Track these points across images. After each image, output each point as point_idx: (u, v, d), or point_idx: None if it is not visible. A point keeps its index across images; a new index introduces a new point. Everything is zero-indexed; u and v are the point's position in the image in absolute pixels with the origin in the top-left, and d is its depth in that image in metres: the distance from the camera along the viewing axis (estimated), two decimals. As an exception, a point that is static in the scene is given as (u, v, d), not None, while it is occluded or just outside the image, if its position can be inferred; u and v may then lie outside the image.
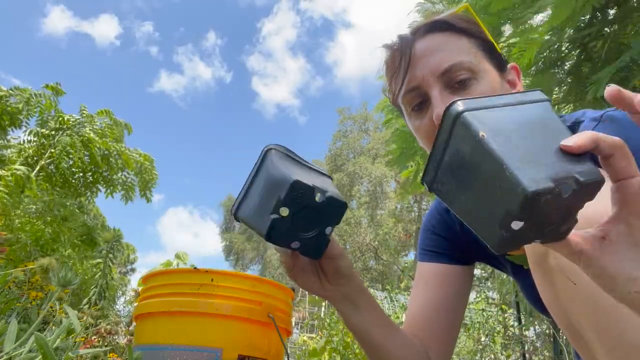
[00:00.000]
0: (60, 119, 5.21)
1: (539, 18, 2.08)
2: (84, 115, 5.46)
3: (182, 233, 36.74)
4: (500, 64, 0.76)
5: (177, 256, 4.49)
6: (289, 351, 1.22)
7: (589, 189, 0.38)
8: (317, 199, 0.58)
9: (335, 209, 0.61)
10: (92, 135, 5.22)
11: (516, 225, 0.38)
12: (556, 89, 2.05)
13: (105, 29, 36.26)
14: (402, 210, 18.31)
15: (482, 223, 0.42)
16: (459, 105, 0.42)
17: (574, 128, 0.72)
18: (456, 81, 0.70)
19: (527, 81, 2.19)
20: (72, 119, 5.32)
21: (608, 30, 1.73)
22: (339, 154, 21.98)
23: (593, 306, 0.54)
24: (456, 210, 0.45)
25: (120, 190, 5.74)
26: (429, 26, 0.75)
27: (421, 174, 0.51)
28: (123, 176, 5.76)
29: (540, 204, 0.37)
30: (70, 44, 36.95)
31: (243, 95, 37.20)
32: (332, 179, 0.70)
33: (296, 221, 0.57)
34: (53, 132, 5.17)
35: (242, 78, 37.21)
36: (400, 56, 0.73)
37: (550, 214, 0.39)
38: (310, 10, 35.41)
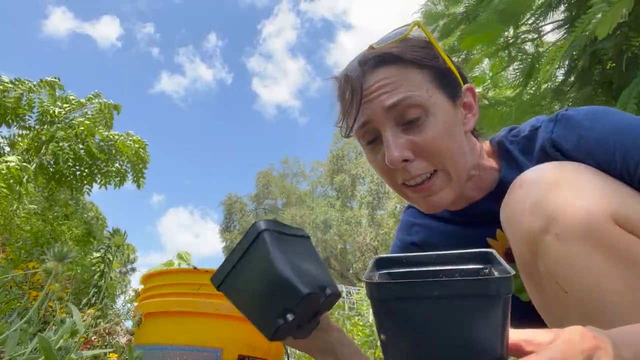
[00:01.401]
0: (52, 112, 5.08)
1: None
2: (74, 103, 5.30)
3: (182, 233, 36.73)
4: (452, 91, 0.73)
5: (179, 256, 4.44)
6: (289, 351, 1.22)
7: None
8: (320, 300, 0.58)
9: (331, 300, 0.61)
10: (87, 123, 5.09)
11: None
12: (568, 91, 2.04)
13: (106, 30, 36.28)
14: (402, 210, 18.31)
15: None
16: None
17: (533, 136, 0.72)
18: (407, 119, 0.68)
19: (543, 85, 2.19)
20: (63, 111, 5.18)
21: (619, 32, 1.71)
22: (340, 155, 21.97)
23: (584, 312, 0.54)
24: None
25: (114, 179, 5.65)
26: (377, 59, 0.71)
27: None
28: (117, 165, 5.66)
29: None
30: (71, 45, 36.91)
31: (244, 96, 37.19)
32: (322, 263, 0.68)
33: (297, 319, 0.56)
34: (46, 126, 5.05)
35: (243, 79, 37.19)
36: (352, 93, 0.71)
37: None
38: (310, 11, 35.42)
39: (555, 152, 0.67)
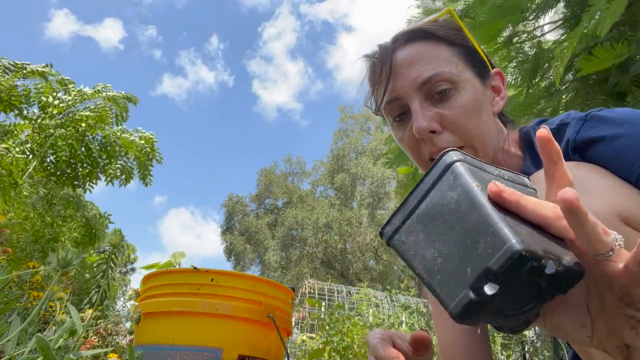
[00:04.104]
0: (51, 108, 4.94)
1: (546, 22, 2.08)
2: (76, 94, 5.10)
3: (184, 234, 36.82)
4: (482, 71, 0.74)
5: (173, 256, 4.42)
6: (289, 351, 1.23)
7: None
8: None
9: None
10: (89, 120, 4.98)
11: (490, 289, 0.34)
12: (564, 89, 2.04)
13: (109, 33, 36.45)
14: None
15: (448, 282, 0.37)
16: (455, 155, 0.41)
17: (560, 131, 0.71)
18: (436, 92, 0.69)
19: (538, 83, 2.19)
20: (62, 104, 4.97)
21: (617, 31, 1.71)
22: (341, 154, 21.99)
23: None
24: (416, 266, 0.40)
25: (119, 176, 5.55)
26: (409, 35, 0.73)
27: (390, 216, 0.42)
28: (122, 162, 5.56)
29: (522, 270, 0.34)
30: (73, 47, 37.04)
31: (245, 98, 37.32)
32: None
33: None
34: (46, 120, 4.93)
35: (244, 82, 37.34)
36: (381, 67, 0.72)
37: (524, 291, 0.37)
38: (310, 14, 35.53)
39: (575, 154, 0.67)
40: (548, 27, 2.08)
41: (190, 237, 36.61)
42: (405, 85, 0.71)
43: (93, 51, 36.91)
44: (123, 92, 5.42)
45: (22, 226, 4.38)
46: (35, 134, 4.92)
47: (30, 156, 4.84)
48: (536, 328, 4.22)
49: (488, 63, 0.77)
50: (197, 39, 39.49)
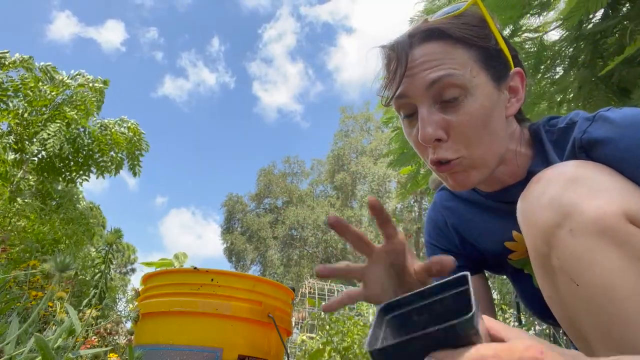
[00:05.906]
0: (39, 101, 4.79)
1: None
2: (60, 85, 4.96)
3: (184, 234, 36.87)
4: (499, 73, 0.72)
5: (176, 257, 4.40)
6: (289, 351, 1.23)
7: None
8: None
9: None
10: (74, 113, 4.89)
11: None
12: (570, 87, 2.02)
13: (111, 35, 36.59)
14: (403, 210, 18.35)
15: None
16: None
17: (568, 130, 0.71)
18: (445, 97, 0.68)
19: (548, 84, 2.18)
20: (48, 95, 4.86)
21: (621, 27, 1.70)
22: (341, 153, 22.02)
23: (596, 307, 0.55)
24: None
25: (110, 168, 5.49)
26: (426, 33, 0.71)
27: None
28: (112, 154, 5.50)
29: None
30: (75, 49, 37.13)
31: (245, 100, 37.41)
32: None
33: None
34: (33, 113, 4.85)
35: (245, 83, 37.43)
36: (396, 63, 0.72)
37: None
38: (310, 15, 35.59)
39: (581, 153, 0.67)
40: (549, 27, 2.07)
41: (190, 237, 36.68)
42: (416, 85, 0.70)
43: (95, 52, 37.06)
44: (100, 77, 5.40)
45: (25, 229, 4.35)
46: (21, 128, 4.83)
47: (17, 151, 4.78)
48: (536, 327, 4.22)
49: (511, 61, 0.74)
50: (198, 41, 39.61)
